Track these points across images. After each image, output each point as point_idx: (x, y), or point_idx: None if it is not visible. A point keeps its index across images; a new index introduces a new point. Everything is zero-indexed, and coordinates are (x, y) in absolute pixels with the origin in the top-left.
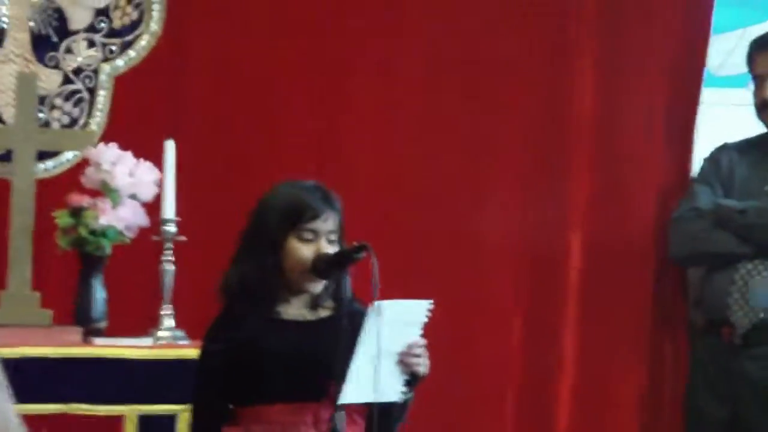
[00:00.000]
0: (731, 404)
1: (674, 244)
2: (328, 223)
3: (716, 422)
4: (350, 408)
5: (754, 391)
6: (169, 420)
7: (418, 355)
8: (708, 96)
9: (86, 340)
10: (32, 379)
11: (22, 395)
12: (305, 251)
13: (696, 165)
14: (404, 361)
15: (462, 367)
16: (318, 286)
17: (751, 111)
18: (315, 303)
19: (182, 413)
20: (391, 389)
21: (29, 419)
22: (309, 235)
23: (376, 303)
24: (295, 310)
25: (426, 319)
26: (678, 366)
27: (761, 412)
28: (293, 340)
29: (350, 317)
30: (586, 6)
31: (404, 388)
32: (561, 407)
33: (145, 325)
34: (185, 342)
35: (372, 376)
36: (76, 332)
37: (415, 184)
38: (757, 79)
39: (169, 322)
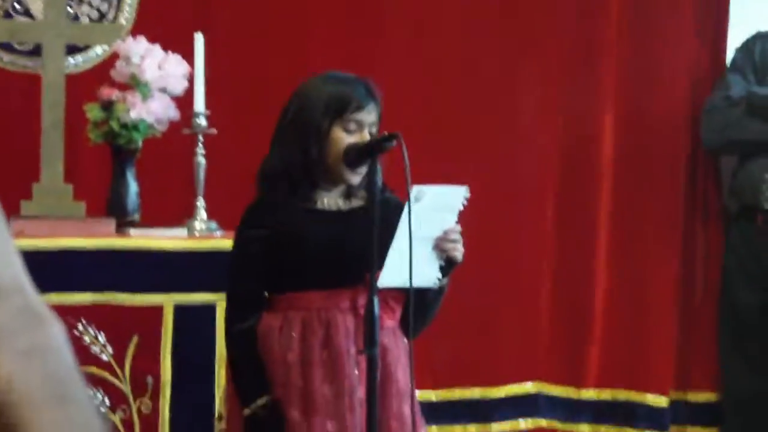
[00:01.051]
0: (765, 289)
1: (707, 132)
2: (371, 114)
3: (750, 308)
4: (386, 294)
5: None
6: (208, 309)
7: (454, 241)
8: None
9: (120, 231)
10: (67, 270)
11: (57, 286)
12: (350, 141)
13: (729, 54)
14: (440, 247)
15: (497, 254)
16: (357, 178)
17: None
18: (349, 193)
19: (220, 302)
20: (428, 275)
21: (65, 310)
22: (353, 126)
23: (414, 187)
24: (331, 200)
25: (462, 206)
26: (712, 254)
27: None
28: (330, 229)
29: (382, 206)
30: None
31: (440, 274)
32: (596, 296)
33: (178, 217)
34: (219, 233)
35: (409, 260)
36: (109, 224)
37: (450, 71)
38: None
39: (202, 213)
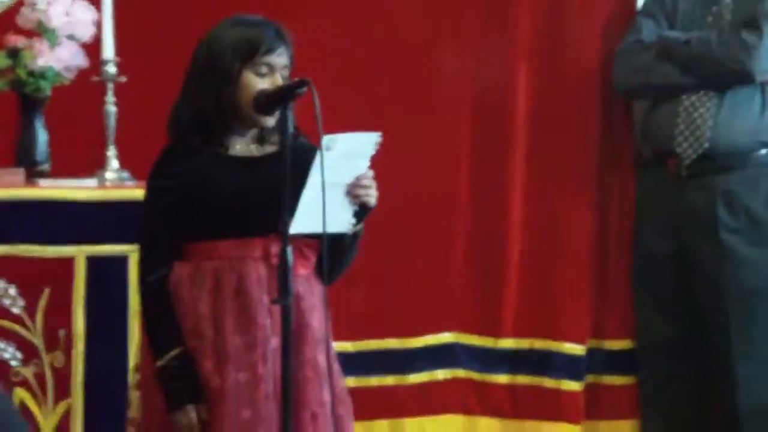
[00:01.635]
0: (677, 237)
1: (619, 77)
2: (282, 57)
3: (663, 256)
4: (300, 242)
5: (699, 222)
6: (120, 261)
7: (366, 187)
8: None
9: (30, 181)
10: None
11: None
12: (261, 84)
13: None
14: (353, 193)
15: (411, 202)
16: (270, 121)
17: None
18: (262, 138)
19: (133, 254)
20: (341, 220)
21: None
22: (264, 69)
23: (325, 137)
24: (243, 145)
25: (374, 152)
26: (626, 199)
27: (706, 242)
28: (242, 176)
29: (295, 152)
30: None
31: (353, 220)
32: (511, 245)
33: (89, 167)
34: (131, 182)
35: (321, 207)
36: (18, 174)
37: (366, 17)
38: None
39: (114, 163)
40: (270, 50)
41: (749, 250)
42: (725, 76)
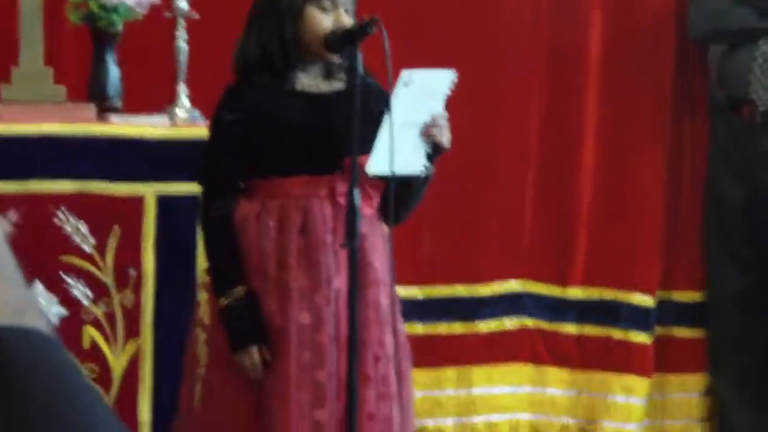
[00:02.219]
0: (751, 184)
1: (694, 21)
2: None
3: (735, 202)
4: (365, 182)
5: None
6: (190, 200)
7: (441, 126)
8: None
9: (101, 117)
10: (47, 156)
11: (37, 172)
12: (325, 20)
13: None
14: (428, 133)
15: (481, 146)
16: (335, 58)
17: None
18: (329, 74)
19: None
20: (415, 162)
21: (47, 198)
22: (327, 4)
23: (404, 71)
24: (310, 80)
25: (449, 91)
26: (699, 146)
27: None
28: (309, 112)
29: (364, 90)
30: None
31: (427, 162)
32: (582, 192)
33: (160, 104)
34: (202, 121)
35: (397, 147)
36: (90, 109)
37: None
38: None
39: (185, 101)
40: None
41: None
42: None
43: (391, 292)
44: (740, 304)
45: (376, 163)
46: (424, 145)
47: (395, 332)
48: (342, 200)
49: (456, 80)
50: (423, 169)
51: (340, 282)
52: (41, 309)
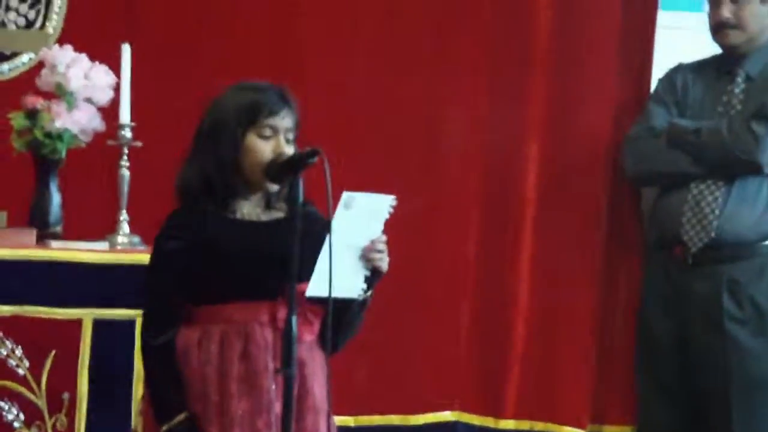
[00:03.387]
0: (680, 321)
1: (629, 163)
2: (285, 120)
3: (665, 338)
4: (305, 308)
5: (704, 310)
6: (128, 325)
7: (381, 251)
8: (666, 19)
9: (41, 242)
10: None
11: None
12: (265, 147)
13: (652, 86)
14: (367, 256)
15: (417, 275)
16: (275, 186)
17: (707, 34)
18: (269, 204)
19: (140, 318)
20: (354, 285)
21: None
22: (268, 132)
23: (345, 193)
24: (250, 209)
25: (388, 215)
26: (631, 284)
27: (710, 330)
28: (250, 240)
29: (304, 219)
30: None
31: (365, 285)
32: (516, 325)
33: (101, 230)
34: (142, 247)
35: (336, 270)
36: (30, 234)
37: (378, 86)
38: (710, 2)
39: (125, 227)
40: (273, 113)
41: (753, 341)
42: (734, 166)
43: (328, 418)
44: None
45: (315, 286)
46: (364, 269)
47: None
48: (282, 326)
49: (395, 204)
50: (361, 292)
51: (280, 406)
52: None
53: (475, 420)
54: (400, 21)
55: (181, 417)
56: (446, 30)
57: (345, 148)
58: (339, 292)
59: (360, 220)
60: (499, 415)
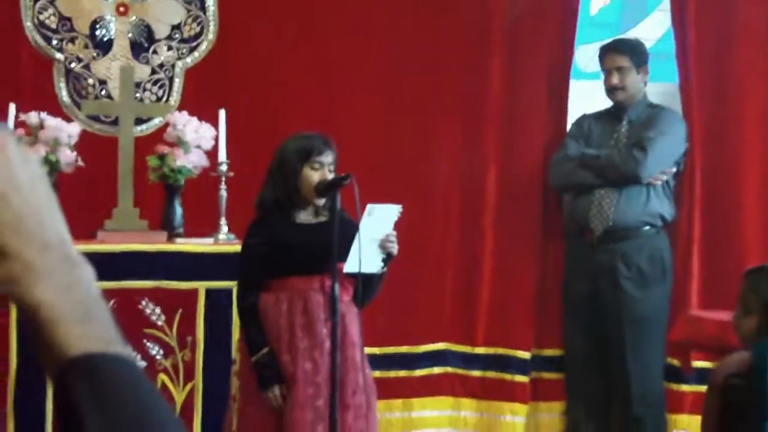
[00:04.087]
0: (590, 282)
1: (553, 179)
2: (329, 157)
3: (582, 296)
4: (344, 278)
5: (606, 273)
6: (228, 292)
7: (392, 241)
8: (578, 84)
9: (170, 240)
10: (135, 265)
11: (128, 275)
12: (315, 176)
13: (568, 127)
14: (383, 245)
15: (416, 256)
16: (321, 201)
17: (603, 93)
18: (317, 212)
19: (236, 288)
20: (374, 264)
21: (134, 291)
22: (317, 166)
23: (368, 205)
24: (304, 216)
25: (396, 218)
26: (557, 259)
27: (610, 287)
28: (305, 236)
29: (339, 221)
30: (494, 30)
31: (381, 264)
32: (483, 286)
33: (209, 230)
34: (235, 242)
35: (363, 255)
36: (163, 235)
37: (386, 135)
38: (605, 71)
39: (224, 228)
40: (320, 153)
41: (638, 292)
42: (622, 179)
43: (361, 349)
44: (584, 357)
45: (350, 265)
46: (381, 254)
47: (365, 376)
48: (329, 291)
49: (401, 210)
50: (379, 268)
51: (329, 343)
52: (124, 341)
53: (459, 347)
54: (402, 85)
55: (264, 350)
56: (432, 92)
57: (367, 172)
58: (365, 269)
59: (378, 222)
60: (474, 344)
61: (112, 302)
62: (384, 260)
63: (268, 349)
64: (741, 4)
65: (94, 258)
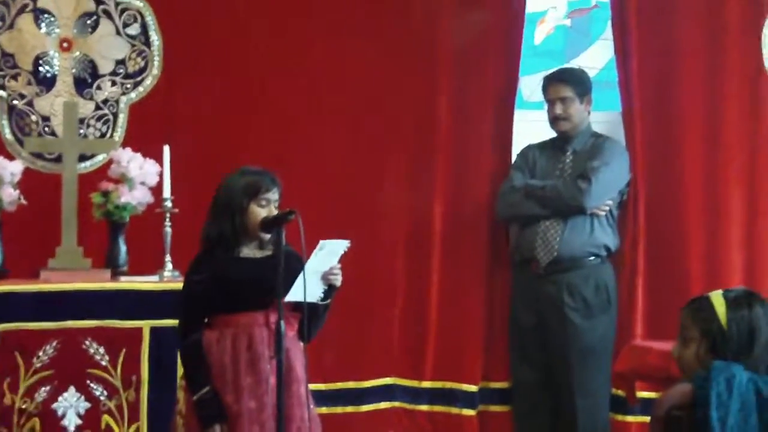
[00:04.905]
0: (537, 312)
1: (499, 209)
2: (275, 194)
3: (527, 324)
4: (288, 314)
5: (551, 304)
6: (173, 330)
7: (336, 274)
8: (523, 114)
9: (114, 278)
10: (79, 305)
11: (72, 315)
12: (262, 212)
13: (513, 158)
14: (325, 277)
15: (364, 289)
16: (267, 236)
17: (547, 123)
18: (261, 246)
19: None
20: (317, 294)
21: (78, 331)
22: (264, 203)
23: (321, 241)
24: (249, 250)
25: (343, 252)
26: (504, 288)
27: (555, 317)
28: (249, 271)
29: (285, 255)
30: (441, 62)
31: (322, 294)
32: (431, 317)
33: (153, 267)
34: (180, 278)
35: (309, 284)
36: (107, 273)
37: (335, 168)
38: (548, 102)
39: (169, 265)
40: (267, 190)
41: (583, 322)
42: (567, 210)
43: (306, 385)
44: (531, 390)
45: (293, 295)
46: (323, 285)
47: (309, 412)
48: (273, 327)
49: (349, 245)
50: (320, 298)
51: (274, 380)
52: None
53: (406, 382)
54: (350, 119)
55: (206, 389)
56: (380, 125)
57: (315, 204)
58: (307, 298)
59: (326, 255)
60: (421, 378)
61: (55, 342)
62: (325, 292)
63: (209, 388)
64: (683, 33)
65: (36, 297)
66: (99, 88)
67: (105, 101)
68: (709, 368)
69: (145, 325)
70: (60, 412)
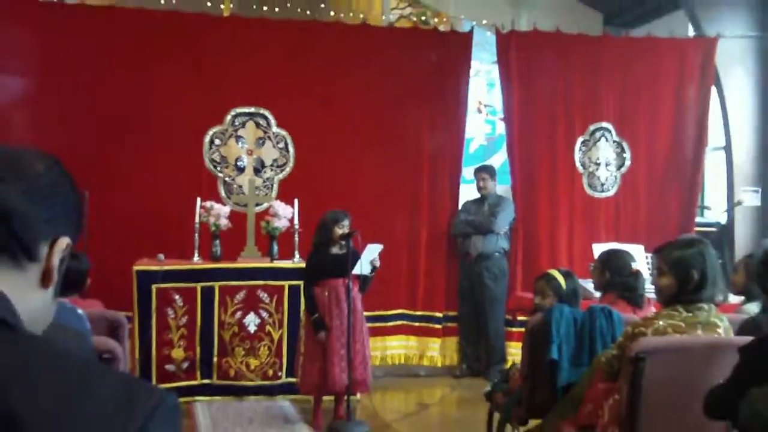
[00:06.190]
0: (470, 280)
1: (453, 230)
2: (346, 221)
3: (467, 287)
4: (355, 278)
5: (477, 276)
6: (299, 287)
7: (376, 260)
8: (464, 186)
9: (271, 261)
10: (257, 273)
11: (252, 278)
12: (339, 231)
13: (460, 206)
14: (372, 262)
15: (390, 269)
16: (343, 242)
17: (475, 190)
18: (340, 248)
19: (302, 284)
20: (367, 270)
21: (256, 287)
22: (341, 226)
23: (369, 245)
24: (335, 249)
25: (380, 250)
26: (454, 272)
27: (480, 283)
28: (335, 259)
29: (352, 253)
30: (423, 157)
31: (370, 271)
32: (420, 283)
33: (289, 256)
34: (301, 262)
35: (364, 265)
36: (268, 259)
37: (369, 211)
38: (477, 180)
39: (297, 255)
40: (342, 220)
41: (492, 284)
42: (486, 231)
43: (362, 314)
44: (468, 317)
45: (356, 270)
46: (370, 266)
47: (363, 327)
48: (347, 286)
49: (382, 248)
50: (369, 272)
51: (347, 311)
52: None
53: (406, 311)
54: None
55: (317, 315)
56: (387, 191)
57: (364, 228)
58: (363, 272)
59: (370, 251)
60: (414, 308)
61: (244, 292)
62: (373, 269)
63: (318, 314)
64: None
65: (237, 270)
66: (264, 172)
67: (267, 178)
68: (552, 307)
69: (286, 284)
70: (246, 323)
